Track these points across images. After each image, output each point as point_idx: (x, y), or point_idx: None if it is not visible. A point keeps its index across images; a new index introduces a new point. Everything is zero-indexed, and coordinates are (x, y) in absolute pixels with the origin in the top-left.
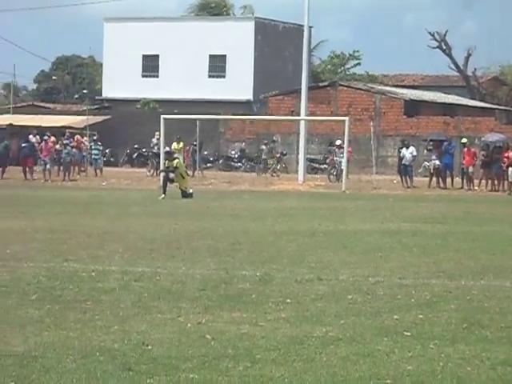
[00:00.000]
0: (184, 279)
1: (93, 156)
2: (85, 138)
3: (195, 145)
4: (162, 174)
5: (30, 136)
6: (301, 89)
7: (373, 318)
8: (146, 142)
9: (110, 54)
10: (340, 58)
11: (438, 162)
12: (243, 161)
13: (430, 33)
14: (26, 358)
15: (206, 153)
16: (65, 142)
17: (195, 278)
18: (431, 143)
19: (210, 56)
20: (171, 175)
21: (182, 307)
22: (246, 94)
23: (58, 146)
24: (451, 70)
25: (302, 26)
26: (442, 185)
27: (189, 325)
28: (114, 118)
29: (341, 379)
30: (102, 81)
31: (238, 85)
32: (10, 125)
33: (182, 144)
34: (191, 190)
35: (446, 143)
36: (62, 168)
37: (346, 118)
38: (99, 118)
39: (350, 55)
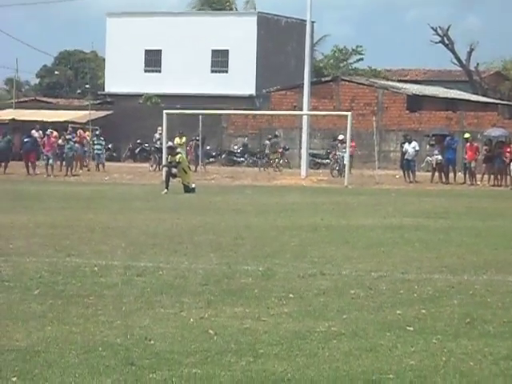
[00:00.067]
0: (186, 274)
1: (95, 151)
2: (87, 133)
3: (198, 140)
4: (165, 169)
5: (33, 131)
6: (303, 84)
7: (375, 313)
8: (148, 136)
9: (113, 48)
10: (343, 52)
11: (440, 157)
12: (246, 156)
13: (432, 28)
14: (29, 353)
15: (208, 148)
16: (67, 137)
17: (198, 273)
18: (434, 138)
19: (213, 51)
20: (174, 170)
21: (185, 302)
22: (249, 89)
23: (60, 141)
24: (454, 64)
25: (305, 21)
26: (444, 180)
27: (191, 320)
28: (117, 112)
29: (343, 374)
30: (105, 76)
31: (241, 80)
32: (13, 120)
33: (184, 139)
34: (194, 185)
35: (448, 138)
36: (64, 163)
37: (349, 113)
38: (102, 113)
39: (353, 50)
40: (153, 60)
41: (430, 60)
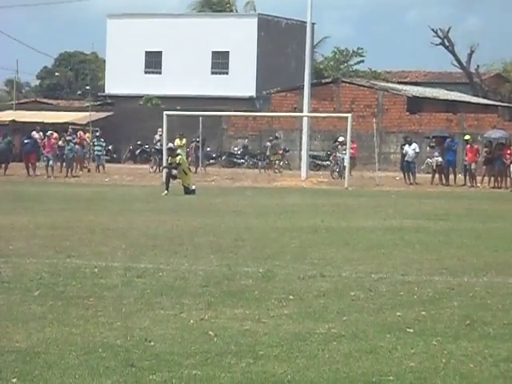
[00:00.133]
0: (187, 275)
1: (95, 152)
2: (87, 135)
3: (198, 141)
4: (165, 171)
5: (33, 132)
6: (303, 85)
7: (375, 315)
8: (148, 138)
9: (113, 50)
10: (344, 54)
11: (440, 159)
12: (246, 157)
13: (432, 29)
14: (29, 354)
15: (208, 149)
16: (68, 138)
17: (198, 275)
18: (434, 140)
19: (213, 52)
20: (174, 172)
21: (185, 303)
22: (249, 91)
23: (60, 143)
24: (454, 66)
25: (305, 22)
26: (444, 181)
27: (191, 321)
28: (117, 114)
29: (343, 376)
30: (105, 77)
31: (241, 81)
32: (13, 121)
33: (184, 140)
34: (194, 187)
35: (448, 140)
36: (64, 164)
37: (349, 115)
38: (102, 115)
39: (354, 52)
40: (153, 61)
41: (430, 62)
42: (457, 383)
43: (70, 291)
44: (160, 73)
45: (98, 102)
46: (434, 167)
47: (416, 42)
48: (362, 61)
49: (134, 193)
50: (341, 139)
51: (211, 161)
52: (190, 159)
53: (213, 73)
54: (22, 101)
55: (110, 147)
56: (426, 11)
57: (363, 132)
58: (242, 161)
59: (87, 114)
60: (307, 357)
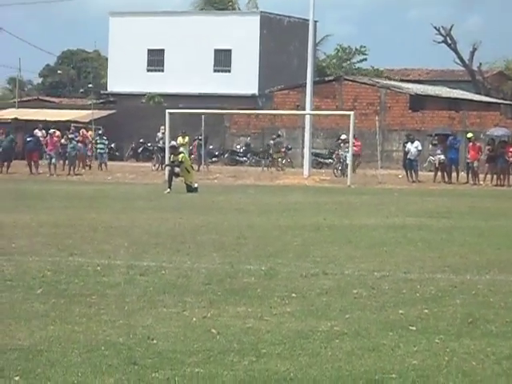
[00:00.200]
0: (189, 273)
1: (98, 150)
2: (90, 133)
3: (200, 139)
4: (168, 169)
5: (36, 130)
6: (306, 83)
7: (378, 313)
8: (151, 136)
9: (115, 48)
10: (346, 52)
11: (443, 157)
12: (248, 155)
13: (435, 27)
14: (32, 352)
15: (211, 147)
16: (70, 136)
17: (200, 273)
18: (436, 138)
19: (215, 50)
20: (176, 169)
21: (187, 301)
22: (252, 89)
23: (63, 141)
24: (456, 64)
25: (308, 20)
26: (447, 179)
27: (194, 319)
28: (120, 112)
29: (346, 373)
30: (108, 75)
31: (243, 79)
32: (15, 119)
33: (187, 138)
34: (196, 185)
35: (451, 138)
36: (67, 162)
37: (352, 113)
38: (104, 113)
39: (357, 50)
40: (155, 59)
41: (432, 60)
42: (459, 381)
43: (73, 289)
44: (162, 71)
45: (101, 100)
46: (437, 165)
47: (418, 40)
48: (365, 59)
49: (136, 191)
50: (343, 137)
51: (214, 159)
52: (192, 157)
53: (215, 71)
54: (25, 99)
55: (112, 145)
56: (428, 9)
57: (365, 130)
58: (244, 159)
59: (90, 112)
60: (310, 354)
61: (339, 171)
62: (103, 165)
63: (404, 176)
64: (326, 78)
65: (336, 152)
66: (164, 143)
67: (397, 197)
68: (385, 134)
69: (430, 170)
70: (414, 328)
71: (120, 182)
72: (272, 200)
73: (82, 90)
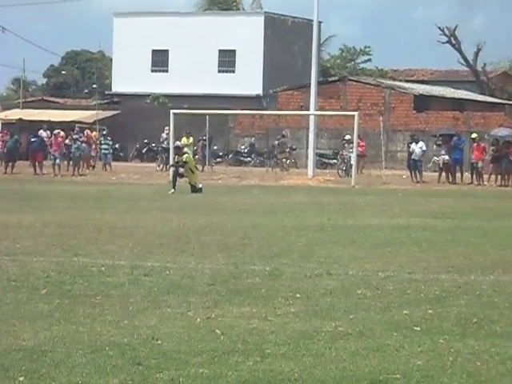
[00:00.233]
0: (193, 274)
1: (102, 151)
2: (94, 133)
3: (205, 140)
4: (172, 169)
5: (41, 131)
6: (310, 84)
7: (382, 313)
8: (155, 136)
9: (120, 48)
10: (351, 52)
11: (447, 157)
12: (253, 156)
13: (439, 28)
14: (36, 353)
15: (215, 148)
16: (74, 136)
17: (204, 273)
18: (440, 138)
19: (220, 51)
20: (181, 170)
21: (192, 302)
22: (256, 89)
23: (67, 141)
24: (461, 64)
25: (312, 20)
26: (451, 180)
27: (198, 319)
28: (124, 112)
29: (350, 374)
30: (112, 76)
31: (248, 80)
32: (20, 119)
33: (191, 139)
34: (201, 185)
35: (455, 138)
36: (71, 163)
37: (356, 113)
38: (109, 113)
39: (361, 50)
40: (160, 60)
41: (436, 60)
42: (464, 381)
43: (77, 289)
44: (167, 71)
45: (105, 101)
46: (441, 165)
47: (422, 41)
48: (370, 59)
49: (140, 191)
50: (347, 137)
51: (218, 159)
52: (196, 158)
53: (220, 71)
54: (29, 99)
55: (116, 146)
56: (432, 10)
57: (370, 130)
58: (248, 159)
59: (94, 112)
60: (314, 355)
61: (343, 171)
62: (107, 165)
63: (408, 176)
64: (330, 79)
65: (340, 152)
66: (168, 144)
67: (401, 197)
68: (389, 135)
69: (435, 171)
70: (418, 328)
71: (124, 183)
72: (276, 200)
73: (86, 91)
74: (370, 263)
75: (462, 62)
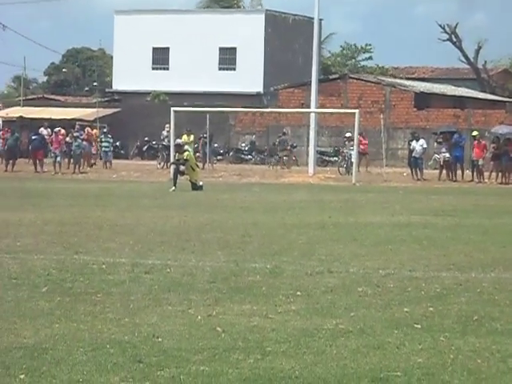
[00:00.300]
0: (194, 271)
1: (103, 148)
2: (95, 131)
3: (205, 137)
4: (173, 167)
5: (42, 128)
6: (311, 81)
7: (383, 311)
8: (156, 134)
9: (120, 46)
10: (352, 49)
11: (447, 155)
12: (253, 153)
13: (440, 25)
14: (37, 350)
15: (216, 145)
16: (75, 134)
17: (205, 271)
18: (441, 136)
19: (220, 49)
20: (181, 168)
21: (193, 299)
22: (256, 87)
23: (68, 139)
24: (461, 62)
25: (312, 18)
26: (452, 177)
27: (199, 317)
28: (124, 110)
29: (351, 371)
30: (112, 73)
31: (248, 77)
32: (21, 117)
33: (192, 137)
34: (201, 183)
35: (456, 136)
36: (72, 160)
37: (357, 111)
38: (109, 111)
39: (362, 48)
40: (160, 58)
41: (437, 58)
42: (464, 379)
43: (78, 287)
44: (167, 69)
45: (106, 99)
46: (442, 163)
47: (423, 38)
48: (370, 57)
49: (141, 189)
50: (348, 135)
51: (218, 157)
52: (197, 155)
53: (220, 69)
54: (30, 97)
55: (117, 143)
56: (433, 7)
57: (370, 128)
58: (249, 157)
59: (94, 110)
60: (315, 353)
61: (344, 169)
62: (108, 163)
63: (409, 174)
64: (331, 76)
65: (341, 150)
66: (169, 141)
67: (402, 195)
68: (390, 132)
69: (435, 168)
70: (419, 326)
71: (125, 180)
72: (277, 198)
73: (87, 89)
74: (370, 261)
75: (463, 59)
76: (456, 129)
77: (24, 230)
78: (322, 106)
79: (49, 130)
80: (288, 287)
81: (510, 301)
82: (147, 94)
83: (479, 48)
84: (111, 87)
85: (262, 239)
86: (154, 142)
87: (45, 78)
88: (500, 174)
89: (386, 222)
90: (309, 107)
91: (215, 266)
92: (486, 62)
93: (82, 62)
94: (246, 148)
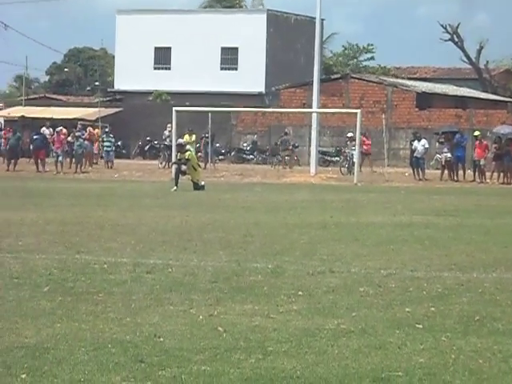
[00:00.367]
0: (196, 271)
1: (105, 148)
2: (96, 130)
3: (207, 137)
4: (174, 166)
5: (43, 128)
6: (313, 81)
7: (384, 311)
8: (157, 134)
9: (122, 46)
10: (353, 49)
11: (449, 155)
12: (255, 153)
13: (442, 25)
14: (38, 350)
15: (217, 145)
16: (77, 134)
17: (207, 270)
18: (443, 136)
19: (222, 48)
20: (183, 167)
21: (194, 299)
22: (258, 87)
23: (70, 138)
24: (463, 62)
25: (314, 18)
26: (453, 177)
27: (201, 317)
28: (126, 110)
29: (352, 371)
30: (114, 73)
31: (250, 77)
32: (22, 117)
33: (194, 136)
34: (203, 183)
35: (457, 136)
36: (73, 160)
37: (358, 111)
38: (111, 110)
39: (364, 48)
40: (162, 57)
41: (439, 58)
42: (466, 379)
43: (80, 287)
44: (169, 69)
45: (107, 98)
46: (443, 163)
47: (425, 38)
48: (373, 57)
49: (143, 189)
50: (350, 135)
51: (220, 157)
52: (199, 155)
53: (222, 69)
54: (32, 97)
55: (119, 143)
56: (435, 7)
57: (372, 128)
58: (251, 157)
59: (96, 109)
60: (316, 353)
61: (346, 169)
62: (110, 163)
63: (411, 174)
64: (333, 76)
65: (343, 150)
66: (171, 141)
67: (403, 195)
68: (391, 132)
69: (437, 168)
70: (420, 326)
71: (127, 180)
72: (279, 198)
73: (88, 88)
74: (372, 261)
75: (465, 59)
76: (458, 129)
77: (26, 229)
78: (324, 106)
79: (51, 129)
80: (290, 287)
81: (511, 301)
82: (149, 93)
83: (481, 48)
84: (113, 87)
85: (263, 239)
86: (155, 142)
87: (47, 78)
88: (502, 174)
89: (388, 221)
90: (311, 107)
91: (217, 265)
92: (487, 62)
93: (84, 62)
94: (248, 148)
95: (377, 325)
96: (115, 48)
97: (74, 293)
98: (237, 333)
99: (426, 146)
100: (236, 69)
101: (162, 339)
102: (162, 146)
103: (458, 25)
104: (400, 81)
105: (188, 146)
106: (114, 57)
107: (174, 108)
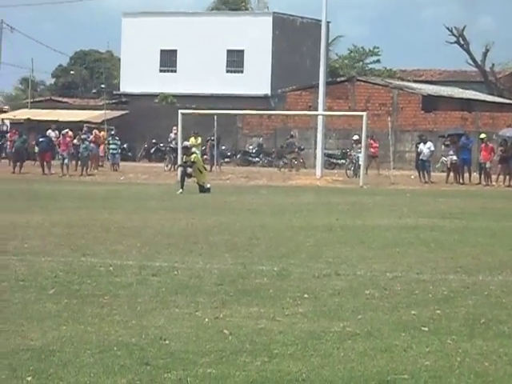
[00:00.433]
0: (201, 274)
1: (110, 151)
2: (102, 133)
3: (213, 140)
4: (180, 169)
5: (49, 131)
6: (318, 84)
7: (390, 314)
8: (163, 136)
9: (128, 48)
10: (359, 52)
11: (455, 158)
12: (261, 156)
13: (447, 28)
14: (44, 352)
15: (223, 148)
16: (82, 136)
17: (213, 273)
18: (449, 138)
19: (228, 51)
20: (189, 170)
21: (200, 302)
22: (264, 89)
23: (75, 141)
24: (469, 65)
25: (320, 21)
26: (459, 180)
27: (206, 319)
28: (132, 112)
29: (358, 374)
30: (120, 75)
31: (256, 80)
32: (28, 119)
33: (200, 139)
34: (209, 185)
35: (463, 138)
36: (79, 163)
37: (364, 114)
38: (117, 113)
39: (370, 51)
40: (168, 60)
41: (445, 60)
42: (472, 382)
43: (85, 289)
44: (175, 71)
45: (113, 101)
46: (449, 166)
47: (431, 41)
48: (378, 60)
49: (148, 191)
50: (356, 137)
51: (226, 159)
52: (205, 158)
53: (228, 71)
54: (37, 99)
55: (124, 146)
56: (440, 10)
57: (378, 130)
58: (256, 159)
59: (102, 112)
60: (322, 355)
61: (351, 172)
62: (116, 165)
63: (416, 177)
64: (339, 79)
65: (349, 153)
66: (176, 144)
67: (409, 197)
68: (397, 135)
69: (443, 171)
70: (426, 329)
71: (132, 183)
72: (284, 200)
73: (94, 91)
74: (378, 263)
75: (471, 62)
76: (463, 131)
77: (31, 232)
78: (330, 109)
79: (56, 132)
80: (295, 290)
81: None
82: (155, 96)
83: (487, 51)
84: (119, 89)
85: (269, 242)
86: (161, 145)
87: (52, 80)
88: (508, 177)
89: (394, 224)
90: (316, 110)
91: (222, 268)
92: (493, 64)
93: (90, 64)
94: (254, 150)
95: (382, 327)
96: (121, 50)
97: (80, 295)
98: (242, 335)
99: (432, 148)
100: (242, 71)
101: (167, 342)
102: (168, 148)
103: (464, 27)
104: (406, 83)
105: (194, 149)
106: (119, 59)
107: (179, 110)
